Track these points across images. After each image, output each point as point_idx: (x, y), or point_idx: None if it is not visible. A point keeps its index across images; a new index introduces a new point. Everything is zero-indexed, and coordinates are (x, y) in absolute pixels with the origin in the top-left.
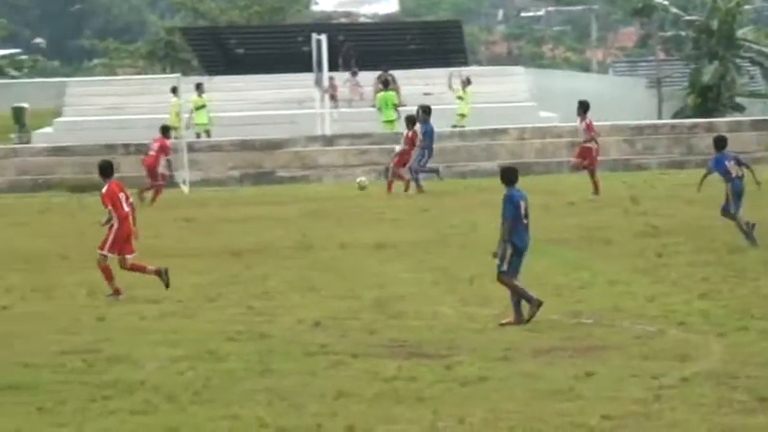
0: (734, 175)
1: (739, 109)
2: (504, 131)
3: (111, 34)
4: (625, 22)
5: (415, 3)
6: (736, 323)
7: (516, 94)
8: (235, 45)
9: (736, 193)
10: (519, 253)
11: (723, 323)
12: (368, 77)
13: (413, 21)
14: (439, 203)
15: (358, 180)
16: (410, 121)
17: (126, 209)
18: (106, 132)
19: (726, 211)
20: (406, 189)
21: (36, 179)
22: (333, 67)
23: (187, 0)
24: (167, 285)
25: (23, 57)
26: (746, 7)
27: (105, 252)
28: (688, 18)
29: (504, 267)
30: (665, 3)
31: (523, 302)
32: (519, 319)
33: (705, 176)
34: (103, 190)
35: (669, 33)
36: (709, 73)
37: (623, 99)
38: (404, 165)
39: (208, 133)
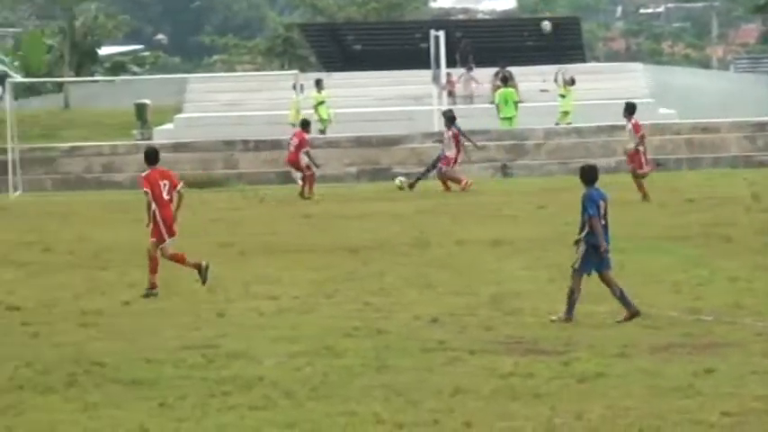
0: None
1: None
2: (621, 128)
3: (231, 30)
4: (746, 18)
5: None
6: None
7: (634, 91)
8: (352, 41)
9: None
10: (598, 251)
11: None
12: (484, 74)
13: (530, 17)
14: (556, 200)
15: (397, 180)
16: (450, 120)
17: (166, 196)
18: (225, 128)
19: None
20: (464, 188)
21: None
22: (450, 63)
23: None
24: (204, 282)
25: (145, 53)
26: None
27: (162, 240)
28: None
29: (578, 265)
30: None
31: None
32: (632, 311)
33: None
34: (144, 174)
35: None
36: None
37: (744, 96)
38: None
39: (323, 131)
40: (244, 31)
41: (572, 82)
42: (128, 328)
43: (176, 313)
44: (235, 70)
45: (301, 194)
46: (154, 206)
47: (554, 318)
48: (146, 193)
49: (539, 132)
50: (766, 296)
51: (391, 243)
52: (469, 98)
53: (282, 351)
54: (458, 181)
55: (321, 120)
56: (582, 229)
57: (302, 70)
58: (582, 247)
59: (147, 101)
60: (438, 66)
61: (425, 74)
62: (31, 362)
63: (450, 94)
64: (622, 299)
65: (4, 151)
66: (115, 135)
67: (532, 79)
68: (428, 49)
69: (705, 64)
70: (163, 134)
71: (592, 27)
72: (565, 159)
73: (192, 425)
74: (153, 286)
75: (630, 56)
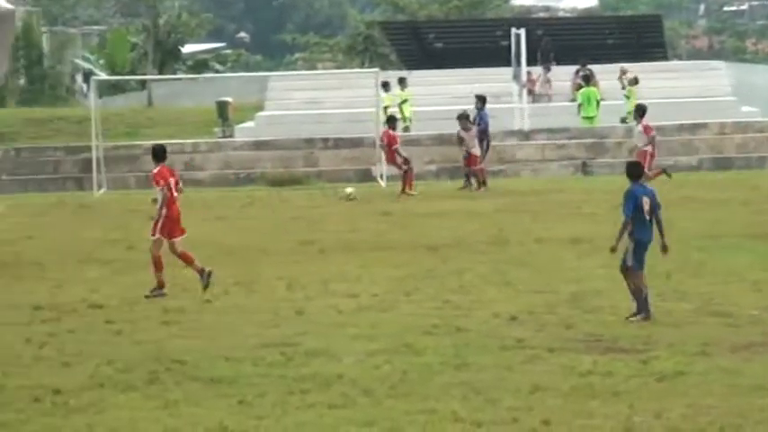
0: None
1: None
2: (704, 126)
3: (312, 29)
4: None
5: None
6: None
7: (717, 89)
8: (433, 39)
9: None
10: (644, 247)
11: None
12: (565, 72)
13: (612, 15)
14: None
15: (347, 191)
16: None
17: (175, 193)
18: (306, 126)
19: None
20: (479, 187)
21: (238, 173)
22: (531, 61)
23: None
24: (206, 287)
25: (227, 51)
26: None
27: (156, 236)
28: None
29: (630, 262)
30: None
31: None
32: (646, 313)
33: None
34: (155, 170)
35: None
36: None
37: None
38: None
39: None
40: (325, 30)
41: (635, 81)
42: (208, 326)
43: (256, 311)
44: (316, 68)
45: (402, 192)
46: (162, 207)
47: (632, 319)
48: (161, 189)
49: (619, 130)
50: None
51: (470, 241)
52: (547, 97)
53: (361, 349)
54: (481, 181)
55: (404, 118)
56: (629, 226)
57: (383, 68)
58: (630, 244)
59: (228, 99)
60: (518, 64)
61: (506, 72)
62: (113, 360)
63: (530, 92)
64: (636, 296)
65: (89, 149)
66: (197, 133)
67: (613, 77)
68: (509, 46)
69: None
70: (244, 132)
71: (674, 25)
72: None
73: (271, 423)
74: (161, 285)
75: (713, 54)
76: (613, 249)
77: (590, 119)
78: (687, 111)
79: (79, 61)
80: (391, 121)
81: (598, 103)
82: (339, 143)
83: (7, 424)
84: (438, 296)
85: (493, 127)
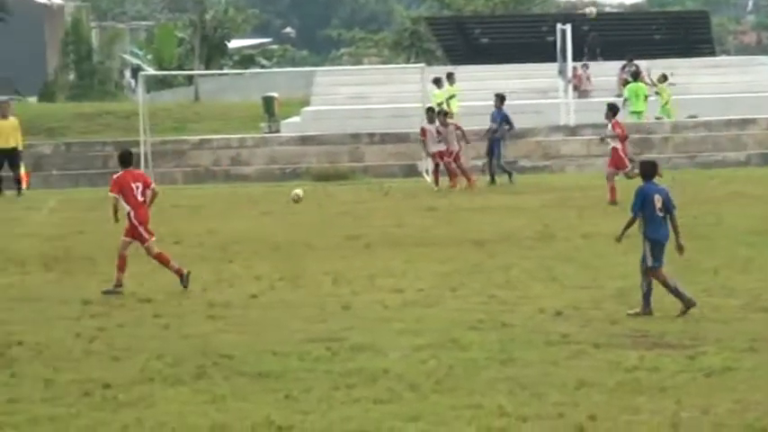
0: None
1: None
2: (752, 122)
3: (358, 24)
4: None
5: None
6: None
7: (765, 84)
8: (479, 35)
9: None
10: (660, 246)
11: None
12: (611, 67)
13: (659, 11)
14: (682, 194)
15: (294, 193)
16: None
17: (140, 198)
18: (351, 121)
19: None
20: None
21: (284, 168)
22: (577, 56)
23: None
24: (185, 286)
25: (273, 46)
26: None
27: (125, 238)
28: None
29: (650, 263)
30: None
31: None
32: (646, 311)
33: None
34: (115, 176)
35: None
36: None
37: None
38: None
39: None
40: (371, 25)
41: (664, 78)
42: (254, 321)
43: (302, 306)
44: (361, 63)
45: (452, 186)
46: (128, 208)
47: (631, 312)
48: (114, 198)
49: (666, 126)
50: None
51: (516, 236)
52: (586, 92)
53: (407, 344)
54: (456, 176)
55: (451, 113)
56: (641, 225)
57: (428, 64)
58: (646, 245)
59: (274, 94)
60: (564, 59)
61: (552, 67)
62: (162, 354)
63: (576, 87)
64: (646, 295)
65: (137, 144)
66: (243, 128)
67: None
68: (555, 42)
69: None
70: (290, 127)
71: (722, 21)
72: (692, 153)
73: (317, 417)
74: (119, 284)
75: (762, 49)
76: (618, 240)
77: (638, 114)
78: (735, 106)
79: (127, 56)
80: (441, 114)
81: (645, 98)
82: (385, 138)
83: (58, 418)
84: (484, 291)
85: (538, 122)
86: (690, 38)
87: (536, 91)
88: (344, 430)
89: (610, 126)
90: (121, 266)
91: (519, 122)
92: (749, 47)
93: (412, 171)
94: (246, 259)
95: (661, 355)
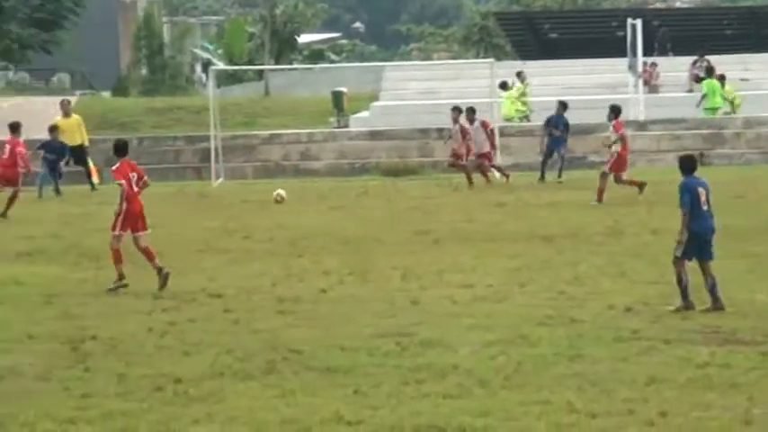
0: None
1: None
2: None
3: (428, 19)
4: None
5: None
6: None
7: None
8: (548, 30)
9: None
10: (699, 239)
11: None
12: (682, 62)
13: (730, 6)
14: (754, 190)
15: (276, 192)
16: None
17: (135, 188)
18: (420, 117)
19: None
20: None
21: (353, 163)
22: (647, 52)
23: None
24: (162, 287)
25: (343, 41)
26: None
27: (117, 232)
28: None
29: (678, 253)
30: None
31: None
32: (717, 306)
33: None
34: (114, 167)
35: None
36: None
37: None
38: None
39: (526, 118)
40: (440, 20)
41: (708, 72)
42: (324, 316)
43: (371, 301)
44: (430, 58)
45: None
46: (123, 201)
47: (670, 308)
48: (120, 185)
49: (738, 121)
50: None
51: (585, 232)
52: (656, 87)
53: (476, 339)
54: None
55: (519, 110)
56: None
57: (498, 59)
58: (684, 235)
59: (343, 89)
60: (634, 54)
61: (621, 62)
62: (232, 349)
63: (646, 82)
64: (712, 291)
65: (208, 139)
66: (312, 123)
67: (731, 68)
68: (624, 37)
69: None
70: (359, 122)
71: None
72: (765, 149)
73: (386, 412)
74: (120, 277)
75: None
76: (679, 242)
77: (713, 110)
78: None
79: (198, 51)
80: (469, 111)
81: (722, 95)
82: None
83: (130, 412)
84: (553, 287)
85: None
86: (762, 33)
87: (605, 86)
88: (414, 425)
89: (611, 128)
90: (118, 260)
91: (587, 118)
92: None
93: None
94: (316, 254)
95: (733, 352)
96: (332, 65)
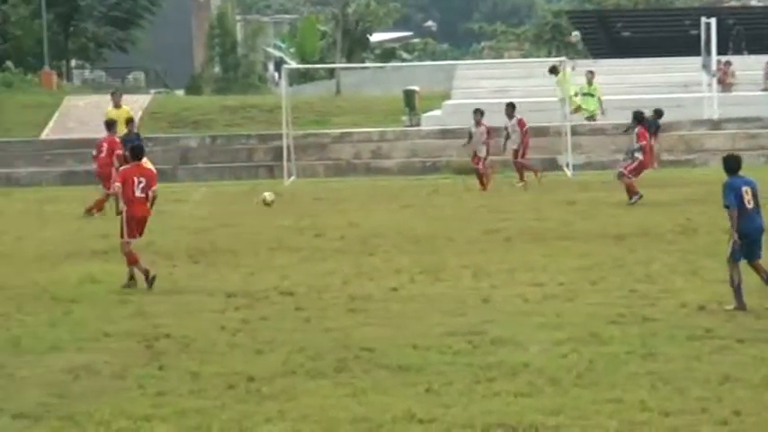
0: None
1: None
2: None
3: (499, 17)
4: None
5: None
6: None
7: None
8: (621, 28)
9: None
10: (746, 239)
11: None
12: (757, 61)
13: None
14: None
15: (264, 195)
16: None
17: (139, 194)
18: (492, 115)
19: None
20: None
21: (424, 161)
22: (722, 50)
23: None
24: (126, 286)
25: (415, 40)
26: None
27: (127, 239)
28: None
29: (730, 254)
30: None
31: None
32: (740, 305)
33: None
34: (122, 168)
35: None
36: None
37: None
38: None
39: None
40: (512, 18)
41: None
42: (395, 314)
43: (442, 299)
44: (502, 57)
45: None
46: (122, 204)
47: (728, 308)
48: (118, 188)
49: None
50: None
51: (657, 230)
52: (730, 86)
53: (547, 338)
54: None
55: (581, 108)
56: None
57: (569, 57)
58: (735, 234)
59: (415, 87)
60: (708, 53)
61: (695, 61)
62: (304, 347)
63: (721, 81)
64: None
65: (280, 137)
66: (384, 121)
67: None
68: (698, 36)
69: None
70: (431, 120)
71: None
72: None
73: (458, 411)
74: (146, 273)
75: None
76: (735, 242)
77: None
78: None
79: (270, 49)
80: (477, 113)
81: None
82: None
83: (204, 410)
84: (624, 285)
85: (681, 116)
86: None
87: (677, 85)
88: (485, 423)
89: (635, 136)
90: (133, 261)
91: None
92: None
93: (552, 165)
94: (387, 252)
95: None
96: (403, 63)
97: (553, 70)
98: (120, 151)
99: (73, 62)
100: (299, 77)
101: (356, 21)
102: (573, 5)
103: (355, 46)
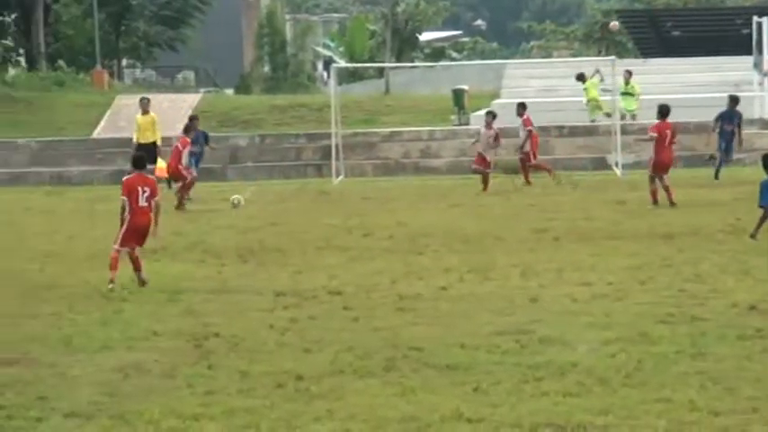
0: None
1: None
2: None
3: (549, 16)
4: None
5: None
6: None
7: None
8: (671, 28)
9: None
10: None
11: None
12: None
13: None
14: None
15: (233, 198)
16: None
17: (143, 203)
18: (541, 114)
19: None
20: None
21: (471, 161)
22: None
23: None
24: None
25: (464, 39)
26: None
27: (118, 247)
28: None
29: None
30: None
31: None
32: None
33: None
34: (126, 177)
35: None
36: None
37: None
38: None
39: (632, 116)
40: (561, 17)
41: None
42: (443, 313)
43: (490, 298)
44: (551, 56)
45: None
46: (127, 212)
47: None
48: (123, 200)
49: None
50: None
51: (707, 230)
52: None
53: (596, 337)
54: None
55: (628, 109)
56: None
57: (619, 56)
58: None
59: (464, 87)
60: (760, 52)
61: (746, 60)
62: (352, 346)
63: None
64: None
65: (329, 136)
66: (433, 120)
67: None
68: (749, 35)
69: None
70: (480, 120)
71: None
72: None
73: (506, 410)
74: (111, 281)
75: None
76: (752, 236)
77: None
78: None
79: (320, 49)
80: (488, 115)
81: None
82: (574, 131)
83: (253, 409)
84: (673, 285)
85: None
86: None
87: (728, 84)
88: (534, 423)
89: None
90: (113, 267)
91: (711, 115)
92: None
93: (601, 164)
94: (435, 251)
95: None
96: (453, 63)
97: (580, 77)
98: (188, 149)
99: (124, 61)
100: (348, 77)
101: (405, 20)
102: (623, 4)
103: (405, 45)
